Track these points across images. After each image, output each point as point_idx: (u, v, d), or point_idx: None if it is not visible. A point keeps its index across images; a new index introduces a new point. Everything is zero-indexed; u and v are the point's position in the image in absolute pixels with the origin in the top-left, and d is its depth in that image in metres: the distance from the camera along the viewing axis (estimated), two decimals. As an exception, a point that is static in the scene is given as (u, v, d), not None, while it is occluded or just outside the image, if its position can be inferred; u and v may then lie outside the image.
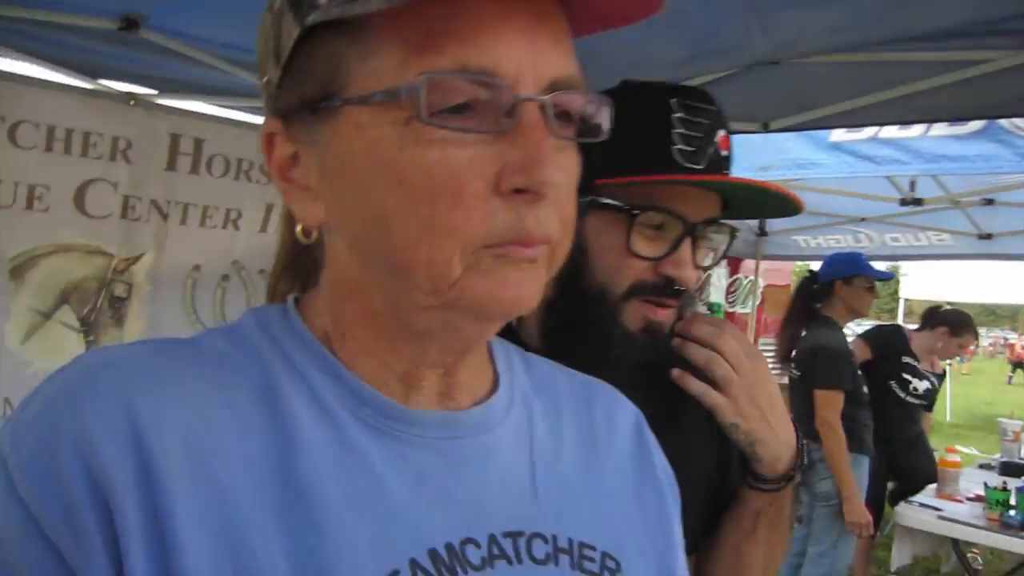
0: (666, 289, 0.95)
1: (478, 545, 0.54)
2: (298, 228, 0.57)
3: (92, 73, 2.54)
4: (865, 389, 3.69)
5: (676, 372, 0.99)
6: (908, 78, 2.34)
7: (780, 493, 1.02)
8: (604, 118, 0.55)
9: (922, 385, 4.10)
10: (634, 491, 0.68)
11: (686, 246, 0.94)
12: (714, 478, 1.07)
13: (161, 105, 2.73)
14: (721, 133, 0.96)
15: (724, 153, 0.97)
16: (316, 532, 0.49)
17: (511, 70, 0.48)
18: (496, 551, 0.54)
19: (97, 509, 0.45)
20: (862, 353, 4.05)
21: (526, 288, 0.52)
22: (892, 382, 4.07)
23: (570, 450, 0.65)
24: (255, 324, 0.57)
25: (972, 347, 5.31)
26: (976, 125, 3.11)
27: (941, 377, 4.40)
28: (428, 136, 0.48)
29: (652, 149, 0.93)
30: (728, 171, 0.98)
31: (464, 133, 0.48)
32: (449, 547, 0.52)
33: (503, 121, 0.49)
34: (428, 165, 0.48)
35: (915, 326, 4.51)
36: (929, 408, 4.32)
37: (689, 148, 0.93)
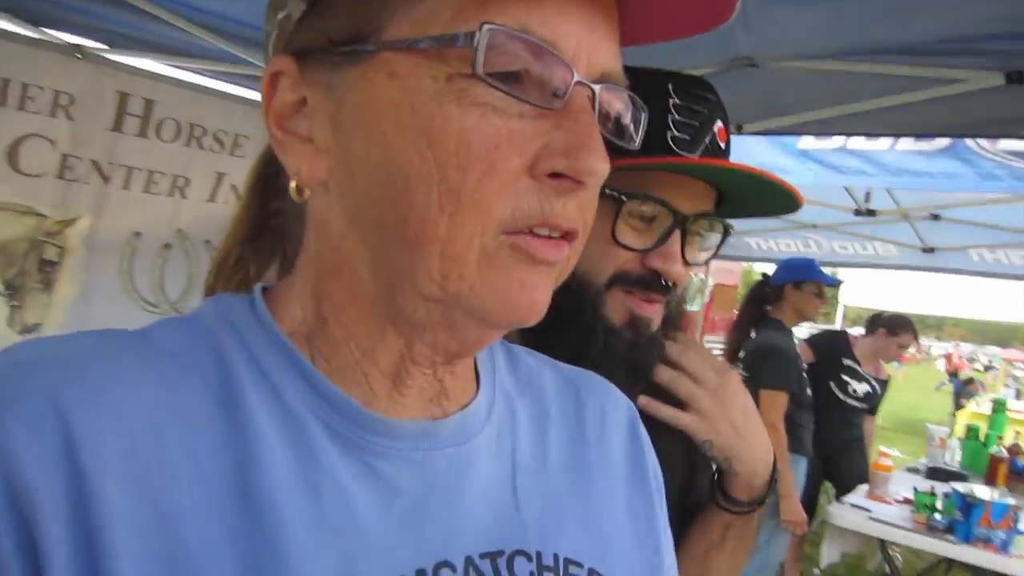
0: (652, 283, 0.91)
1: (454, 569, 0.49)
2: (292, 185, 0.51)
3: (35, 20, 2.41)
4: (809, 392, 3.78)
5: (643, 400, 0.94)
6: (882, 91, 2.38)
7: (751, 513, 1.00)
8: (638, 126, 0.53)
9: (861, 388, 4.22)
10: (625, 497, 0.64)
11: (675, 239, 0.90)
12: (683, 477, 1.04)
13: (110, 60, 2.59)
14: (719, 124, 0.93)
15: (722, 144, 0.93)
16: (274, 558, 0.43)
17: (569, 49, 0.46)
18: (473, 575, 0.50)
19: (17, 535, 0.38)
20: (805, 356, 4.15)
21: (540, 294, 0.48)
22: (831, 383, 4.19)
23: (556, 455, 0.61)
24: (215, 316, 0.51)
25: (911, 349, 5.51)
26: (942, 143, 3.19)
27: (885, 383, 4.54)
28: (470, 97, 0.44)
29: (646, 133, 0.89)
30: None
31: (512, 100, 0.44)
32: (421, 573, 0.48)
33: (552, 100, 0.45)
34: (466, 129, 0.44)
35: (852, 330, 4.64)
36: (872, 412, 4.46)
37: (684, 136, 0.90)
